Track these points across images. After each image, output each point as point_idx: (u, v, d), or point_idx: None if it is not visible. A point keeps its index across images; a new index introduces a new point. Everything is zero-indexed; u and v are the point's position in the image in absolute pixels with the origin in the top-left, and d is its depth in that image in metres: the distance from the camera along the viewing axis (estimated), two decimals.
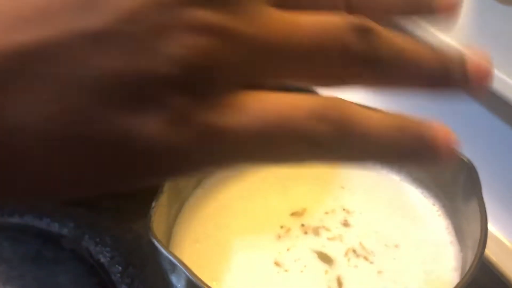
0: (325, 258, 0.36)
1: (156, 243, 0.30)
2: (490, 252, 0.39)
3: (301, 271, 0.35)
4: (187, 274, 0.29)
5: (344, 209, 0.38)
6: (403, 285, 0.33)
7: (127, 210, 0.44)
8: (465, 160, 0.34)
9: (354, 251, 0.35)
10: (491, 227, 0.41)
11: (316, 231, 0.37)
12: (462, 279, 0.29)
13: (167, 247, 0.31)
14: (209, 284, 0.28)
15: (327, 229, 0.37)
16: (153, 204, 0.33)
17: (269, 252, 0.36)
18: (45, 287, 0.39)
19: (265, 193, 0.40)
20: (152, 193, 0.34)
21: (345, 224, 0.37)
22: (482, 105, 0.41)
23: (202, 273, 0.31)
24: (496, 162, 0.41)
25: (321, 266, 0.35)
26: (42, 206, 0.44)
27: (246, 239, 0.37)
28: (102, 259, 0.40)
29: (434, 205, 0.37)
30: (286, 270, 0.35)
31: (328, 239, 0.37)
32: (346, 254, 0.36)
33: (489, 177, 0.35)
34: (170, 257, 0.30)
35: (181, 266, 0.29)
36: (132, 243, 0.42)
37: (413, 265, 0.34)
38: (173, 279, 0.32)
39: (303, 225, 0.38)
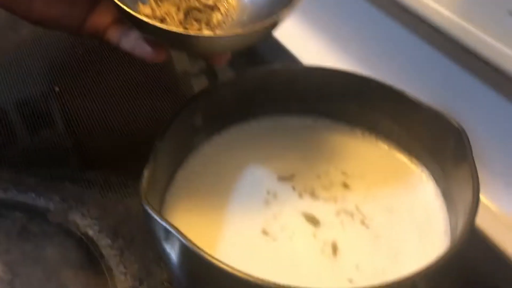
0: (311, 220, 0.37)
1: (149, 210, 0.30)
2: (479, 219, 0.43)
3: (290, 239, 0.36)
4: (182, 240, 0.29)
5: (342, 172, 0.40)
6: (398, 250, 0.36)
7: (114, 182, 0.42)
8: (455, 124, 0.36)
9: (350, 214, 0.37)
10: (481, 196, 0.45)
11: (312, 193, 0.38)
12: (458, 240, 0.31)
13: (160, 214, 0.30)
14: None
15: (326, 189, 0.39)
16: (144, 172, 0.33)
17: (257, 220, 0.37)
18: (32, 261, 0.39)
19: (253, 162, 0.41)
20: (137, 165, 0.33)
21: (345, 185, 0.39)
22: (472, 74, 0.43)
23: (196, 241, 0.31)
24: (486, 130, 0.44)
25: (309, 229, 0.37)
26: (26, 181, 0.42)
27: (236, 208, 0.38)
28: (90, 232, 0.40)
29: (422, 171, 0.40)
30: (274, 239, 0.36)
31: (323, 200, 0.39)
32: (337, 214, 0.37)
33: (478, 146, 0.37)
34: (164, 223, 0.30)
35: (175, 232, 0.29)
36: (121, 215, 0.41)
37: (407, 230, 0.37)
38: (167, 247, 0.32)
39: (294, 188, 0.39)
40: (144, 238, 0.41)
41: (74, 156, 0.48)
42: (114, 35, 0.39)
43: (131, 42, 0.38)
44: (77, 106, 0.52)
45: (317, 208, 0.38)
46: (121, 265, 0.39)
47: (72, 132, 0.49)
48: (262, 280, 0.27)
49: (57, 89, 0.53)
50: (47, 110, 0.51)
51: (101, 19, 0.39)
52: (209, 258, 0.28)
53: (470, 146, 0.35)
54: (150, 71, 0.56)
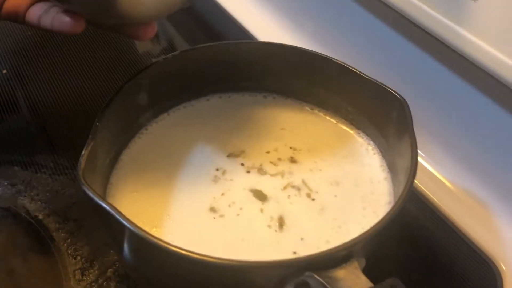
0: (259, 195, 0.37)
1: (88, 191, 0.30)
2: (422, 184, 0.44)
3: (237, 215, 0.36)
4: (123, 221, 0.29)
5: (291, 147, 0.40)
6: (343, 221, 0.36)
7: (65, 165, 0.42)
8: (398, 96, 0.37)
9: (296, 188, 0.37)
10: (424, 162, 0.46)
11: (260, 169, 0.39)
12: (391, 208, 0.32)
13: (101, 196, 0.30)
14: (149, 231, 0.28)
15: (274, 164, 0.39)
16: (83, 152, 0.32)
17: (205, 198, 0.37)
18: None
19: (202, 140, 0.41)
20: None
21: (292, 160, 0.39)
22: (414, 43, 0.44)
23: (141, 222, 0.32)
24: (429, 100, 0.45)
25: (256, 205, 0.37)
26: None
27: (184, 186, 0.38)
28: (40, 216, 0.39)
29: (369, 144, 0.41)
30: (221, 216, 0.36)
31: (271, 175, 0.39)
32: (284, 188, 0.37)
33: (420, 113, 0.38)
34: (105, 205, 0.29)
35: (115, 214, 0.29)
36: (71, 198, 0.41)
37: (352, 201, 0.37)
38: (108, 227, 0.32)
39: (242, 164, 0.39)
40: (94, 221, 0.40)
41: (25, 140, 0.47)
42: (34, 15, 0.38)
43: (50, 18, 0.37)
44: (35, 89, 0.51)
45: (265, 183, 0.38)
46: (71, 248, 0.39)
47: (29, 116, 0.48)
48: (203, 255, 0.28)
49: (4, 71, 0.52)
50: (2, 94, 0.50)
51: (19, 0, 0.38)
52: (148, 236, 0.28)
53: (411, 117, 0.35)
54: (111, 53, 0.55)
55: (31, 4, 0.38)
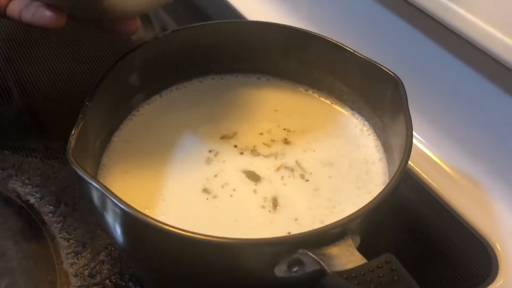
0: (252, 176, 0.37)
1: (78, 171, 0.29)
2: (417, 166, 0.44)
3: (231, 196, 0.36)
4: (115, 200, 0.28)
5: (284, 129, 0.40)
6: (337, 201, 0.36)
7: (56, 149, 0.42)
8: (392, 75, 0.36)
9: (290, 169, 0.37)
10: (419, 143, 0.46)
11: (253, 150, 0.38)
12: (386, 186, 0.31)
13: (92, 176, 0.30)
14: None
15: (268, 146, 0.39)
16: (73, 131, 0.32)
17: (198, 179, 0.37)
18: None
19: (195, 122, 0.41)
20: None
21: (286, 142, 0.39)
22: (408, 22, 0.43)
23: (134, 203, 0.31)
24: (421, 76, 0.44)
25: (250, 186, 0.37)
26: None
27: (177, 168, 0.38)
28: (31, 200, 0.39)
29: (364, 125, 0.40)
30: (214, 197, 0.36)
31: (264, 156, 0.38)
32: (277, 169, 0.37)
33: (415, 93, 0.37)
34: (95, 184, 0.29)
35: (106, 193, 0.28)
36: (63, 181, 0.40)
37: (346, 182, 0.37)
38: (98, 207, 0.31)
39: (236, 146, 0.38)
40: (87, 204, 0.40)
41: (16, 124, 0.46)
42: (15, 9, 0.38)
43: (31, 12, 0.37)
44: (26, 74, 0.50)
45: (258, 164, 0.38)
46: (63, 231, 0.38)
47: (20, 100, 0.48)
48: (197, 234, 0.27)
49: None
50: None
51: None
52: (140, 215, 0.28)
53: (405, 95, 0.35)
54: (104, 39, 0.54)
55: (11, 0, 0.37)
